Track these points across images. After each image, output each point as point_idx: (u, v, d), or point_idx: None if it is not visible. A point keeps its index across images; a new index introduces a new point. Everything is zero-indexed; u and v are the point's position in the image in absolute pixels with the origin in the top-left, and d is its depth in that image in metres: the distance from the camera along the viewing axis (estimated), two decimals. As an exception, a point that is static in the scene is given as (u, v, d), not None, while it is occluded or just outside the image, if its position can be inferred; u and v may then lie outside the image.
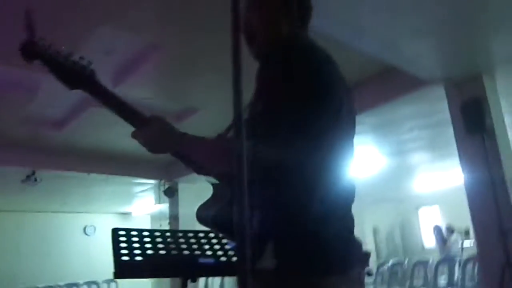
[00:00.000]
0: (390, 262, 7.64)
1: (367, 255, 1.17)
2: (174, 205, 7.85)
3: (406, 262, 7.09)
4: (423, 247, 11.09)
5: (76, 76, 1.10)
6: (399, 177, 9.28)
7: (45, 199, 9.21)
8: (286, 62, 1.03)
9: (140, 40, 3.97)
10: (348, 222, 1.06)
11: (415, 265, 6.62)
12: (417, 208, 11.59)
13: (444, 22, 3.21)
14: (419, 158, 7.91)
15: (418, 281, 6.49)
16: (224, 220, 1.04)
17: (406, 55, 3.59)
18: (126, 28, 3.65)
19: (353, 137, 1.17)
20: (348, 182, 1.09)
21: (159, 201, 8.47)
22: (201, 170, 1.18)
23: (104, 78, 3.99)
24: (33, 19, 1.04)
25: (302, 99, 1.00)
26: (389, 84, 4.39)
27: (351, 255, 1.01)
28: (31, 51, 1.04)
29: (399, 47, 3.44)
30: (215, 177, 1.14)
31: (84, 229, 11.30)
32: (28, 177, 6.68)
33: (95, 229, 11.23)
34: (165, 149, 1.14)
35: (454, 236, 9.15)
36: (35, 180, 6.74)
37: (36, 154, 6.44)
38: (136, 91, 4.76)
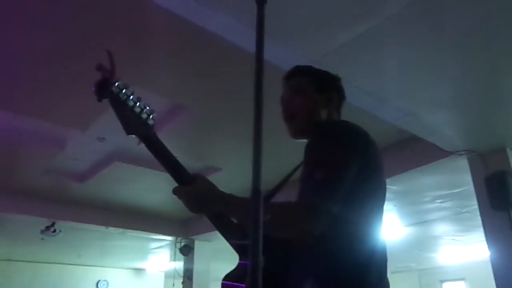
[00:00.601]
0: None
1: None
2: (189, 263, 7.71)
3: None
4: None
5: (138, 122, 1.15)
6: (422, 248, 8.95)
7: (61, 251, 9.20)
8: (325, 136, 1.14)
9: (166, 101, 4.13)
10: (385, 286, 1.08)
11: None
12: (441, 281, 11.04)
13: (466, 93, 3.24)
14: (442, 229, 7.65)
15: None
16: None
17: (427, 125, 3.60)
18: (154, 90, 3.82)
19: (383, 203, 1.20)
20: (382, 246, 1.12)
21: (174, 258, 8.35)
22: (235, 234, 1.18)
23: (131, 136, 4.07)
24: (114, 60, 1.09)
25: (337, 161, 1.07)
26: (411, 152, 4.37)
27: None
28: (105, 89, 1.09)
29: (420, 117, 3.46)
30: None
31: (97, 283, 11.11)
32: (47, 227, 6.74)
33: (107, 284, 11.04)
34: (207, 209, 1.18)
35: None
36: (54, 231, 6.78)
37: (56, 205, 6.54)
38: (160, 149, 4.87)
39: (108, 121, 4.18)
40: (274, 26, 2.30)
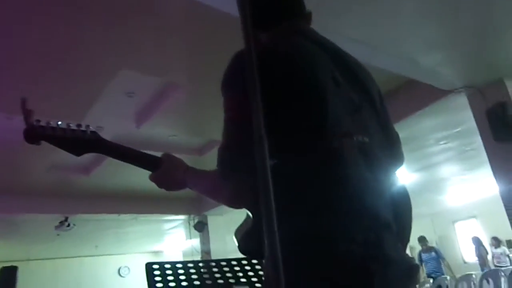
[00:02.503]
0: (431, 281, 7.34)
1: (412, 269, 0.99)
2: (205, 239, 7.84)
3: (448, 279, 6.80)
4: (464, 262, 10.67)
5: (79, 142, 1.16)
6: (431, 192, 9.05)
7: (78, 244, 9.34)
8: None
9: (159, 80, 4.09)
10: (369, 234, 0.88)
11: (458, 281, 6.34)
12: (453, 222, 11.23)
13: (459, 31, 3.20)
14: (449, 171, 7.71)
15: (464, 298, 6.20)
16: (246, 248, 1.06)
17: (423, 67, 3.57)
18: (146, 70, 3.78)
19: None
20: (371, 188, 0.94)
21: (189, 236, 8.48)
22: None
23: (128, 119, 4.11)
24: (27, 106, 1.10)
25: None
26: (409, 97, 4.35)
27: (376, 275, 0.84)
28: (33, 136, 1.11)
29: (416, 60, 3.43)
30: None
31: (119, 270, 11.35)
32: (61, 223, 6.82)
33: (129, 270, 11.27)
34: (175, 187, 1.21)
35: (501, 248, 8.82)
36: (68, 225, 6.87)
37: (66, 200, 6.60)
38: (159, 129, 4.87)
39: (102, 109, 4.16)
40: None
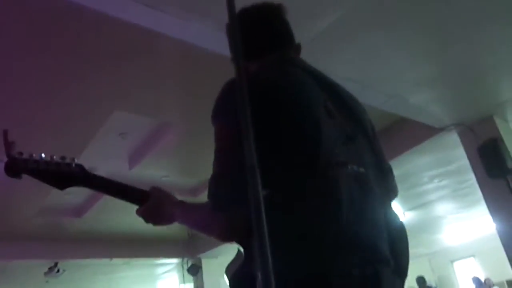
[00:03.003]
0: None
1: None
2: (199, 283, 7.61)
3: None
4: (464, 302, 10.43)
5: (64, 176, 1.12)
6: (427, 231, 8.95)
7: (68, 291, 9.03)
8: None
9: (152, 120, 4.11)
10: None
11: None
12: (452, 261, 11.05)
13: (448, 70, 3.28)
14: (444, 209, 7.67)
15: None
16: (238, 285, 1.01)
17: (413, 105, 3.62)
18: (139, 111, 3.80)
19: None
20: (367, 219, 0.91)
21: (183, 281, 8.23)
22: None
23: (121, 160, 4.06)
24: (8, 138, 1.06)
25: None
26: (402, 135, 4.39)
27: None
28: (15, 169, 1.07)
29: (405, 98, 3.49)
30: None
31: (109, 319, 10.90)
32: (50, 269, 6.61)
33: (120, 318, 10.83)
34: (163, 222, 1.17)
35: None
36: (58, 271, 6.66)
37: (56, 244, 6.43)
38: (152, 170, 4.84)
39: (96, 150, 4.15)
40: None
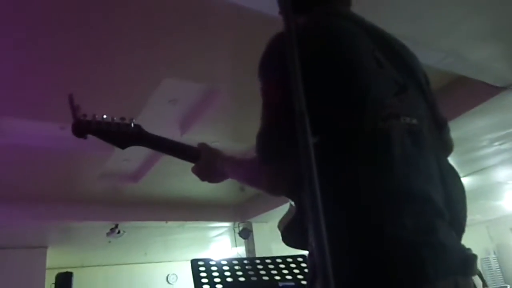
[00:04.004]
0: (490, 291, 6.94)
1: (469, 259, 0.90)
2: (250, 246, 7.82)
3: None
4: (525, 271, 10.02)
5: (124, 135, 1.19)
6: (486, 197, 8.58)
7: (128, 251, 9.61)
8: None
9: (202, 87, 4.16)
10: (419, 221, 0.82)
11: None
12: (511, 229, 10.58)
13: (508, 21, 3.03)
14: (505, 174, 7.28)
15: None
16: (290, 237, 1.05)
17: (472, 62, 3.41)
18: (189, 77, 3.86)
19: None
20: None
21: (235, 244, 8.50)
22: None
23: (173, 127, 4.19)
24: (74, 102, 1.14)
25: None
26: (459, 96, 4.15)
27: (428, 263, 0.78)
28: (80, 130, 1.15)
29: (464, 55, 3.28)
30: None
31: (167, 278, 11.54)
32: (112, 230, 7.04)
33: (177, 277, 11.43)
34: (216, 179, 1.22)
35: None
36: (119, 232, 7.08)
37: (116, 207, 6.83)
38: (202, 136, 4.94)
39: (147, 117, 4.28)
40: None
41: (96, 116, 1.16)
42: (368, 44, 0.97)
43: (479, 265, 10.63)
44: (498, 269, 10.32)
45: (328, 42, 0.93)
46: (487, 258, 10.48)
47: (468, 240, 0.88)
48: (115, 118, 1.19)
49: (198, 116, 4.56)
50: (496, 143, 5.63)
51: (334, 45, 0.93)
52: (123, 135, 1.18)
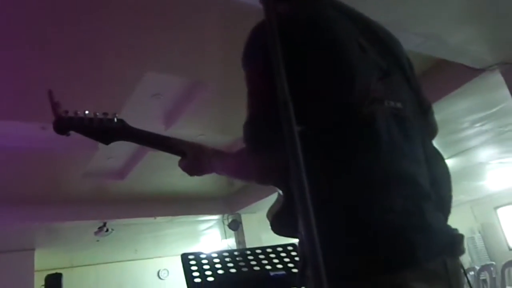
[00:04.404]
0: (477, 269, 7.11)
1: (456, 239, 0.89)
2: (240, 238, 7.86)
3: (493, 266, 6.56)
4: (509, 248, 10.27)
5: (107, 130, 1.18)
6: (469, 178, 8.74)
7: (118, 249, 9.56)
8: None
9: (185, 80, 4.12)
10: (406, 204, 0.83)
11: (504, 267, 6.11)
12: (495, 208, 10.82)
13: (486, 3, 3.06)
14: (487, 154, 7.42)
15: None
16: (279, 226, 1.05)
17: (452, 46, 3.44)
18: (172, 71, 3.82)
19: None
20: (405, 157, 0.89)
21: (225, 236, 8.52)
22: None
23: (156, 121, 4.15)
24: (54, 98, 1.13)
25: None
26: (440, 79, 4.19)
27: (417, 245, 0.79)
28: (62, 127, 1.13)
29: (443, 38, 3.31)
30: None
31: (158, 273, 11.54)
32: (100, 228, 6.99)
33: (168, 272, 11.44)
34: (200, 173, 1.21)
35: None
36: (107, 230, 7.03)
37: (104, 205, 6.77)
38: (188, 129, 4.91)
39: (130, 112, 4.23)
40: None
41: (78, 112, 1.14)
42: (351, 30, 0.97)
43: (465, 244, 10.89)
44: (483, 248, 10.56)
45: (311, 29, 0.93)
46: (472, 237, 10.72)
47: (453, 220, 0.90)
48: (97, 114, 1.17)
49: (182, 110, 4.52)
50: (477, 124, 5.73)
51: (317, 32, 0.92)
52: (106, 130, 1.17)
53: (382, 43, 1.03)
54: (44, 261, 8.25)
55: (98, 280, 10.53)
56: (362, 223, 0.81)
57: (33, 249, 7.91)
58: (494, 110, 5.21)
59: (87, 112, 1.15)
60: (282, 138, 0.65)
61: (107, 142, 1.18)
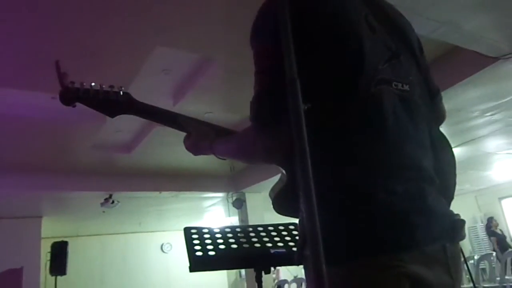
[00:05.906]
0: (476, 257, 7.15)
1: (457, 224, 0.88)
2: (243, 216, 7.94)
3: (494, 255, 6.59)
4: (511, 238, 10.30)
5: (113, 103, 1.16)
6: (475, 167, 8.70)
7: (123, 221, 9.72)
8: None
9: (195, 56, 4.10)
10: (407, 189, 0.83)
11: (505, 256, 6.14)
12: (500, 199, 10.80)
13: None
14: (495, 144, 7.36)
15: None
16: (281, 205, 1.04)
17: (467, 32, 3.38)
18: (182, 46, 3.80)
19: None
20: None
21: (228, 214, 8.62)
22: None
23: (165, 97, 4.16)
24: (61, 68, 1.11)
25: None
26: (452, 66, 4.15)
27: (418, 228, 0.80)
28: (68, 98, 1.12)
29: (458, 24, 3.25)
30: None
31: (161, 246, 11.75)
32: (106, 200, 7.09)
33: (171, 246, 11.64)
34: (202, 153, 1.20)
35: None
36: (112, 202, 7.14)
37: (110, 177, 6.86)
38: (195, 106, 4.91)
39: (140, 86, 4.24)
40: None
41: (84, 84, 1.14)
42: (361, 8, 0.96)
43: (467, 233, 10.91)
44: (485, 237, 10.59)
45: (321, 6, 0.91)
46: (474, 226, 10.74)
47: (457, 209, 0.90)
48: (103, 86, 1.17)
49: (191, 86, 4.52)
50: (488, 114, 5.67)
51: (325, 10, 0.91)
52: (112, 103, 1.16)
53: (392, 23, 1.02)
54: (51, 229, 8.43)
55: (103, 250, 10.76)
56: (365, 205, 0.82)
57: (41, 217, 8.08)
58: (506, 99, 5.15)
59: (93, 84, 1.15)
60: (287, 115, 0.65)
61: (112, 115, 1.18)
